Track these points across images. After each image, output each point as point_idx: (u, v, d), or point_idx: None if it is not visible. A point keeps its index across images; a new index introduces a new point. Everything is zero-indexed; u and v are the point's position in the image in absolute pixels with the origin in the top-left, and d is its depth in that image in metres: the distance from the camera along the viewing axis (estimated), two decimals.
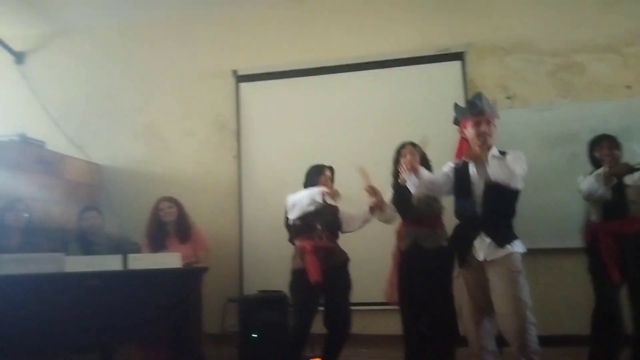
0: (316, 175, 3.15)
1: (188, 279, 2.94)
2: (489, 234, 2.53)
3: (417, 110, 4.16)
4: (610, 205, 2.86)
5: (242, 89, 4.56)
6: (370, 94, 4.32)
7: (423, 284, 2.86)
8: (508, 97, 4.19)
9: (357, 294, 3.42)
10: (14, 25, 4.87)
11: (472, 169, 2.61)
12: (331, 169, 3.23)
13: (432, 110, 4.13)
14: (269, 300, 3.44)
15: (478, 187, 2.58)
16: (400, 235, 3.08)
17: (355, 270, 3.19)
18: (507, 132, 3.92)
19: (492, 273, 2.51)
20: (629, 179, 2.88)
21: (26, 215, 3.27)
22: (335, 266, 2.99)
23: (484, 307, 2.57)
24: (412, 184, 2.65)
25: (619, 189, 2.85)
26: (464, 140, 2.76)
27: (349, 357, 3.50)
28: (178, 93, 4.73)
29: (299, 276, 2.95)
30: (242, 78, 4.57)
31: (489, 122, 2.60)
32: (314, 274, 2.86)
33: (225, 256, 4.21)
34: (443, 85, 4.22)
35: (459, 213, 2.72)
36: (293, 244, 3.15)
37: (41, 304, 2.62)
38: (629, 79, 4.00)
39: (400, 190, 3.03)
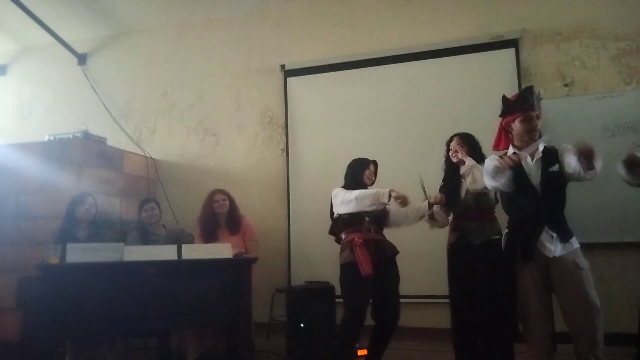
0: (361, 169, 3.13)
1: (238, 269, 3.04)
2: (553, 229, 2.45)
3: (469, 100, 4.07)
4: None
5: (290, 83, 4.62)
6: (419, 85, 4.27)
7: (470, 279, 2.79)
8: (565, 85, 4.01)
9: (405, 286, 3.39)
10: (77, 28, 5.17)
11: (523, 158, 2.53)
12: (375, 163, 3.20)
13: (484, 100, 4.00)
14: (316, 290, 3.47)
15: (535, 179, 2.51)
16: (450, 228, 3.03)
17: (403, 263, 3.17)
18: (565, 121, 3.79)
19: (560, 270, 2.42)
20: None
21: (94, 208, 3.46)
22: (385, 258, 2.96)
23: (547, 306, 2.49)
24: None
25: None
26: (503, 132, 2.72)
27: (396, 350, 3.50)
28: (229, 89, 4.86)
29: (349, 269, 2.93)
30: (289, 72, 4.63)
31: (538, 117, 2.56)
32: (366, 267, 2.83)
33: (273, 248, 4.30)
34: (496, 74, 4.10)
35: (518, 207, 2.58)
36: (335, 236, 3.15)
37: (104, 290, 2.81)
38: None
39: (449, 183, 3.01)
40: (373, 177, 3.17)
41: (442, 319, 3.22)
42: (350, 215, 3.01)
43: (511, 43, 4.10)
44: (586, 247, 3.37)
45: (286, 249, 4.35)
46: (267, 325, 3.66)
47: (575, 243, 2.47)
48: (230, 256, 3.04)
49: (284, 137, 4.57)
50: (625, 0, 3.93)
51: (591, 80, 3.94)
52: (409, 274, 3.33)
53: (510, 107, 2.64)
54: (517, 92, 3.92)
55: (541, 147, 2.54)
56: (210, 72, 4.94)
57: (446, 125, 3.69)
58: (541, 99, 2.74)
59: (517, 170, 2.53)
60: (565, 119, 3.79)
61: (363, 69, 4.43)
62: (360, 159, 3.18)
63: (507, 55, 4.10)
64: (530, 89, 2.60)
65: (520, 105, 2.58)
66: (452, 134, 3.08)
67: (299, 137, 4.52)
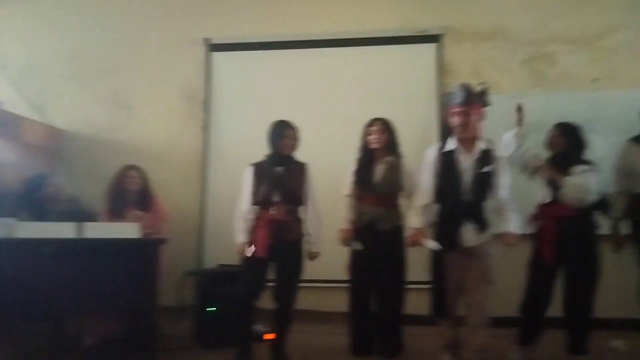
0: (279, 136, 2.96)
1: (145, 250, 2.89)
2: (475, 220, 2.75)
3: (391, 89, 4.15)
4: (554, 190, 2.88)
5: (215, 58, 4.44)
6: (345, 71, 4.28)
7: (376, 263, 2.96)
8: (480, 83, 4.19)
9: (315, 270, 3.41)
10: None
11: (460, 156, 2.77)
12: (293, 127, 3.03)
13: (406, 91, 4.16)
14: (227, 273, 3.39)
15: (466, 175, 2.75)
16: (356, 212, 3.07)
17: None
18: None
19: (471, 256, 2.75)
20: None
21: None
22: (288, 241, 2.90)
23: (460, 286, 2.78)
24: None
25: None
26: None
27: (305, 334, 3.53)
28: (147, 58, 4.56)
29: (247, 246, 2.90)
30: (214, 47, 4.44)
31: (467, 114, 2.74)
32: (259, 249, 2.81)
33: (186, 229, 4.14)
34: (418, 67, 4.22)
35: (442, 196, 2.82)
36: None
37: None
38: (596, 72, 4.07)
39: (363, 167, 3.07)
40: (294, 143, 3.00)
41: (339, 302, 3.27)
42: (259, 194, 2.93)
43: (434, 38, 4.22)
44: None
45: (199, 231, 4.21)
46: (175, 309, 3.53)
47: (489, 233, 2.80)
48: (138, 236, 2.87)
49: (205, 114, 4.39)
50: (537, 7, 4.19)
51: (504, 81, 4.16)
52: (320, 257, 3.35)
53: (449, 101, 2.92)
54: (437, 86, 4.14)
55: (480, 148, 2.78)
56: (127, 38, 4.60)
57: (368, 112, 3.74)
58: (485, 101, 2.89)
59: (447, 161, 2.78)
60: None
61: (292, 50, 4.36)
62: (277, 122, 3.00)
63: (430, 50, 4.22)
64: (461, 86, 2.78)
65: (452, 100, 2.80)
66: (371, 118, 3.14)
67: (221, 115, 4.37)
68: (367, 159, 3.07)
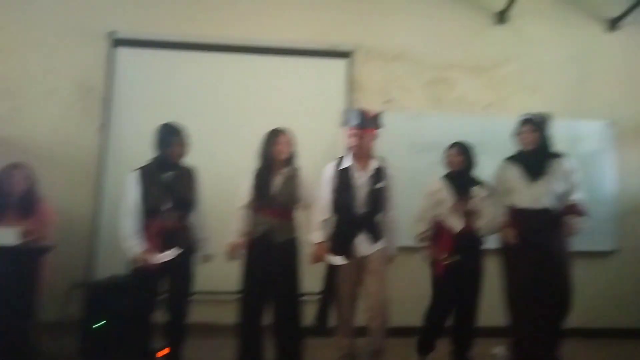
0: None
1: (26, 258, 2.63)
2: (368, 231, 2.94)
3: (303, 101, 4.19)
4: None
5: (119, 53, 4.17)
6: (255, 79, 4.24)
7: (270, 276, 2.95)
8: (386, 101, 4.40)
9: (207, 282, 3.30)
10: None
11: (355, 173, 2.95)
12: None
13: (314, 104, 4.22)
14: (117, 285, 3.15)
15: (361, 190, 2.95)
16: (251, 223, 3.03)
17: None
18: (382, 134, 4.16)
19: (370, 266, 2.92)
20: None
21: None
22: (180, 251, 2.82)
23: (357, 294, 2.94)
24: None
25: None
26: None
27: (198, 348, 3.39)
28: (40, 48, 4.16)
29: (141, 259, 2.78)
30: (119, 42, 4.17)
31: (363, 136, 2.94)
32: (151, 260, 2.72)
33: (77, 237, 3.85)
34: (328, 82, 4.31)
35: (338, 210, 2.98)
36: None
37: None
38: (489, 98, 4.45)
39: (262, 177, 3.03)
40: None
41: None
42: (148, 201, 2.81)
43: (345, 54, 4.35)
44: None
45: (89, 239, 3.91)
46: (60, 325, 3.23)
47: (382, 244, 2.99)
48: (17, 243, 2.60)
49: (104, 112, 4.10)
50: (439, 36, 4.49)
51: (407, 100, 4.41)
52: (217, 268, 3.26)
53: (344, 120, 3.06)
54: (346, 100, 4.26)
55: (374, 166, 2.97)
56: (16, 23, 4.16)
57: (278, 122, 3.75)
58: (380, 126, 3.07)
59: (343, 177, 2.94)
60: (382, 133, 4.16)
61: (203, 52, 4.23)
62: (165, 127, 2.94)
63: (340, 65, 4.34)
64: (357, 110, 2.99)
65: (349, 122, 2.97)
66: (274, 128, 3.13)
67: (122, 114, 4.10)
68: (266, 169, 3.05)
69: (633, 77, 4.57)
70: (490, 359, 3.44)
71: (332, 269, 2.94)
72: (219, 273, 3.27)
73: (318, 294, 3.04)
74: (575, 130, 4.33)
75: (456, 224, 3.07)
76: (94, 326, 3.00)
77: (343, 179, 2.96)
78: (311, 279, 3.10)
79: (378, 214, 3.02)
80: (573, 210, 3.15)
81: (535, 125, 3.14)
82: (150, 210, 2.81)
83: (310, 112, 4.15)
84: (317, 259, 2.93)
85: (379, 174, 2.99)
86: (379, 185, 2.97)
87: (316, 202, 3.00)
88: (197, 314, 3.13)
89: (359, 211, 2.94)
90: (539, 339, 2.99)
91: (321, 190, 3.01)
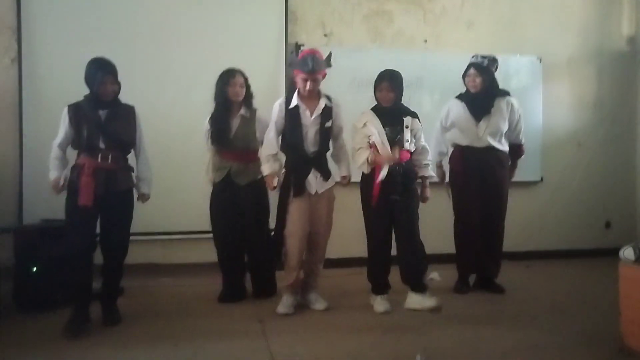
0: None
1: None
2: (319, 170, 3.01)
3: (237, 36, 3.99)
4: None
5: None
6: (186, 14, 3.95)
7: (236, 215, 3.11)
8: (325, 35, 4.30)
9: (159, 223, 3.29)
10: None
11: (303, 112, 2.95)
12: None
13: (253, 38, 4.03)
14: (50, 229, 3.04)
15: (310, 129, 2.96)
16: (214, 167, 3.15)
17: (158, 199, 3.04)
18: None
19: (319, 201, 3.01)
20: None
21: None
22: (116, 191, 2.71)
23: (307, 230, 2.98)
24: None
25: None
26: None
27: (151, 287, 3.40)
28: None
29: (71, 196, 2.66)
30: None
31: (315, 80, 2.92)
32: (83, 197, 2.58)
33: (0, 180, 3.57)
34: (266, 15, 4.11)
35: (289, 149, 3.01)
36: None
37: None
38: (426, 33, 4.46)
39: (220, 121, 3.07)
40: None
41: (198, 254, 3.29)
42: (81, 140, 2.67)
43: None
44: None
45: (18, 183, 3.63)
46: None
47: (332, 181, 3.07)
48: None
49: (15, 44, 3.69)
50: None
51: (346, 34, 4.33)
52: (165, 209, 3.23)
53: (295, 63, 3.06)
54: (285, 34, 4.10)
55: (322, 105, 2.98)
56: None
57: (214, 59, 3.58)
58: (329, 66, 3.12)
59: (292, 117, 2.95)
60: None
61: None
62: (94, 62, 2.71)
63: None
64: (311, 55, 2.90)
65: (301, 66, 2.91)
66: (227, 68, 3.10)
67: (35, 45, 3.70)
68: (223, 112, 3.08)
69: (561, 14, 4.74)
70: (429, 283, 3.68)
71: (283, 205, 2.99)
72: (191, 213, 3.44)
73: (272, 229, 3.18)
74: (506, 65, 4.47)
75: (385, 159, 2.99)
76: (31, 269, 2.90)
77: (292, 118, 2.96)
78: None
79: (326, 152, 3.08)
80: (518, 152, 3.53)
81: (480, 69, 3.30)
82: (84, 149, 2.67)
83: (248, 46, 3.97)
84: (271, 188, 3.00)
85: (327, 113, 3.00)
86: (327, 125, 2.99)
87: (265, 137, 3.02)
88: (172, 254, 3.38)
89: (309, 150, 2.98)
90: (478, 253, 3.38)
91: (269, 126, 3.02)
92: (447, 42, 4.49)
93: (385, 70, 3.10)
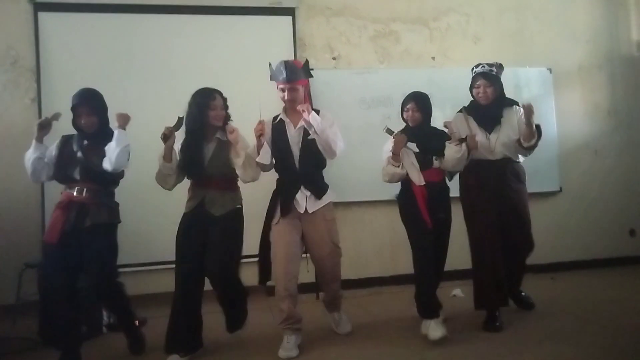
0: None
1: None
2: (309, 188, 2.78)
3: (247, 63, 4.04)
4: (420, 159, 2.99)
5: (42, 19, 3.85)
6: (196, 40, 4.06)
7: (204, 247, 2.67)
8: (334, 58, 4.36)
9: (136, 253, 3.28)
10: None
11: (288, 125, 2.80)
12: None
13: (260, 63, 4.01)
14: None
15: (295, 145, 2.77)
16: (188, 196, 2.79)
17: (170, 227, 2.91)
18: (331, 92, 4.14)
19: (311, 222, 2.77)
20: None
21: None
22: (87, 225, 2.57)
23: (296, 252, 2.76)
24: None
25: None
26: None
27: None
28: None
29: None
30: (41, 6, 3.85)
31: (293, 89, 2.74)
32: (49, 234, 2.52)
33: (23, 216, 3.66)
34: (274, 40, 4.19)
35: (278, 167, 2.85)
36: None
37: None
38: (433, 51, 4.50)
39: (191, 146, 2.72)
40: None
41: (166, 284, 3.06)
42: (59, 170, 2.63)
43: (289, 11, 4.23)
44: (344, 205, 3.82)
45: (40, 217, 3.71)
46: (13, 308, 3.11)
47: (327, 199, 2.84)
48: None
49: (35, 84, 3.82)
50: None
51: (354, 56, 4.38)
52: (131, 241, 3.21)
53: (271, 74, 2.80)
54: (294, 59, 4.16)
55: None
56: None
57: (224, 86, 3.62)
58: (310, 76, 2.87)
59: (278, 134, 2.77)
60: (331, 90, 4.16)
61: (135, 15, 3.99)
62: (202, 90, 2.66)
63: (285, 22, 4.22)
64: (283, 63, 2.73)
65: (275, 76, 2.76)
66: (202, 88, 2.77)
67: (54, 85, 3.82)
68: (196, 137, 2.72)
69: (568, 23, 4.75)
70: (452, 300, 3.66)
71: (267, 227, 2.81)
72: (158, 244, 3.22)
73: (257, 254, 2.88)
74: (516, 78, 4.48)
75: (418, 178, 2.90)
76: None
77: (277, 133, 2.79)
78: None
79: (318, 169, 2.87)
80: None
81: (491, 78, 3.09)
82: (61, 180, 2.64)
83: (257, 72, 3.99)
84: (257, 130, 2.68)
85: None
86: (310, 137, 2.71)
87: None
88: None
89: (296, 166, 2.76)
90: (500, 280, 3.01)
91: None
92: (454, 58, 4.52)
93: (413, 92, 3.03)
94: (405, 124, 3.04)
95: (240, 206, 2.80)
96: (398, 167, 2.88)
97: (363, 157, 3.98)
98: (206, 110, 2.67)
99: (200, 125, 2.68)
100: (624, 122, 4.79)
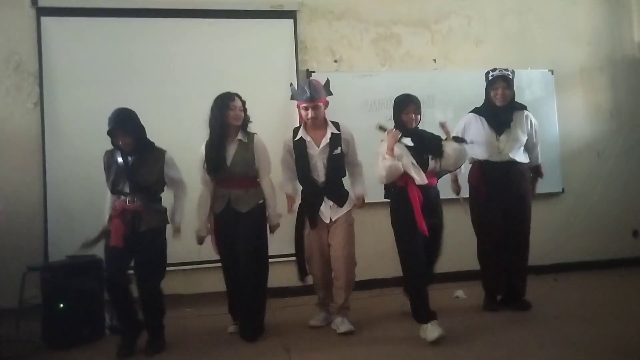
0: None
1: None
2: (331, 199, 3.04)
3: (247, 65, 4.07)
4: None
5: (45, 24, 3.85)
6: (197, 44, 4.06)
7: (238, 244, 2.99)
8: (335, 61, 4.37)
9: (180, 253, 3.32)
10: None
11: (309, 143, 3.00)
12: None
13: (262, 67, 4.11)
14: (76, 265, 3.11)
15: (319, 160, 3.00)
16: (215, 197, 3.05)
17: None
18: (333, 95, 4.13)
19: (335, 228, 3.03)
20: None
21: None
22: (142, 231, 2.82)
23: (326, 252, 3.05)
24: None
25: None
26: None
27: (176, 319, 3.40)
28: None
29: (107, 237, 2.81)
30: (43, 11, 3.86)
31: (316, 107, 2.95)
32: (113, 239, 2.73)
33: (25, 220, 3.67)
34: (275, 43, 4.19)
35: (301, 181, 3.10)
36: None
37: None
38: (435, 53, 4.50)
39: (215, 147, 2.95)
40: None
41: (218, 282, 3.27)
42: (109, 183, 2.85)
43: (290, 14, 4.23)
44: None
45: (43, 221, 3.72)
46: (17, 311, 3.12)
47: (347, 206, 3.08)
48: None
49: (38, 89, 3.83)
50: None
51: (355, 59, 4.38)
52: (187, 238, 3.23)
53: (294, 94, 3.05)
54: (295, 62, 4.18)
55: (329, 134, 2.99)
56: None
57: (226, 89, 3.64)
58: (330, 93, 3.08)
59: (299, 150, 3.02)
60: (334, 93, 4.14)
61: (137, 19, 3.99)
62: (111, 115, 2.81)
63: (286, 25, 4.22)
64: (308, 82, 2.98)
65: (299, 96, 2.97)
66: (223, 92, 3.02)
67: (57, 89, 3.83)
68: (220, 138, 2.96)
69: (570, 25, 4.75)
70: (454, 301, 3.65)
71: (300, 234, 3.09)
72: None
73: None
74: (518, 80, 4.43)
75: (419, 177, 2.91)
76: (59, 306, 2.97)
77: (298, 151, 3.03)
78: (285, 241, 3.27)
79: (340, 179, 3.11)
80: (537, 172, 3.44)
81: (509, 82, 3.23)
82: (114, 192, 2.86)
83: (259, 76, 4.05)
84: (289, 208, 3.11)
85: (335, 140, 3.02)
86: (336, 152, 3.00)
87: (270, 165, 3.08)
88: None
89: (319, 181, 3.03)
90: (505, 279, 3.26)
91: (284, 159, 3.15)
92: (456, 60, 4.52)
93: (407, 94, 3.03)
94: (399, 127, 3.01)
95: (262, 201, 3.03)
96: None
97: (365, 159, 3.96)
98: (226, 111, 2.91)
99: (221, 124, 2.90)
100: (627, 123, 4.79)
